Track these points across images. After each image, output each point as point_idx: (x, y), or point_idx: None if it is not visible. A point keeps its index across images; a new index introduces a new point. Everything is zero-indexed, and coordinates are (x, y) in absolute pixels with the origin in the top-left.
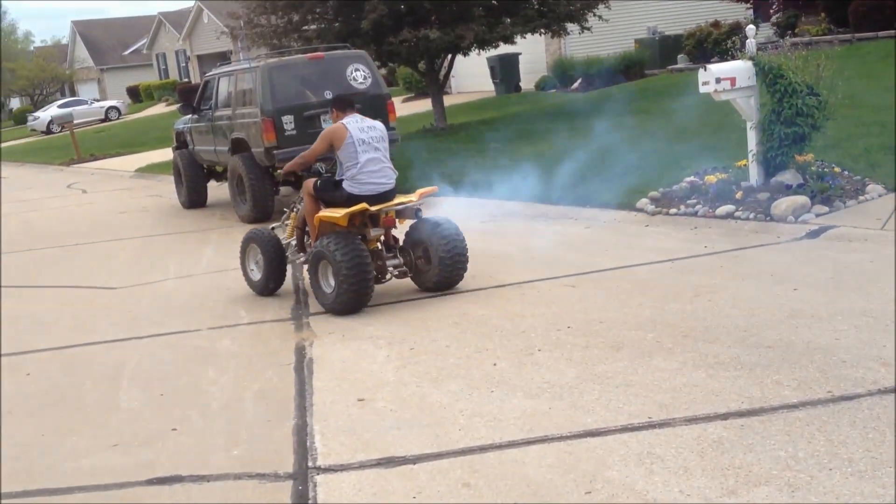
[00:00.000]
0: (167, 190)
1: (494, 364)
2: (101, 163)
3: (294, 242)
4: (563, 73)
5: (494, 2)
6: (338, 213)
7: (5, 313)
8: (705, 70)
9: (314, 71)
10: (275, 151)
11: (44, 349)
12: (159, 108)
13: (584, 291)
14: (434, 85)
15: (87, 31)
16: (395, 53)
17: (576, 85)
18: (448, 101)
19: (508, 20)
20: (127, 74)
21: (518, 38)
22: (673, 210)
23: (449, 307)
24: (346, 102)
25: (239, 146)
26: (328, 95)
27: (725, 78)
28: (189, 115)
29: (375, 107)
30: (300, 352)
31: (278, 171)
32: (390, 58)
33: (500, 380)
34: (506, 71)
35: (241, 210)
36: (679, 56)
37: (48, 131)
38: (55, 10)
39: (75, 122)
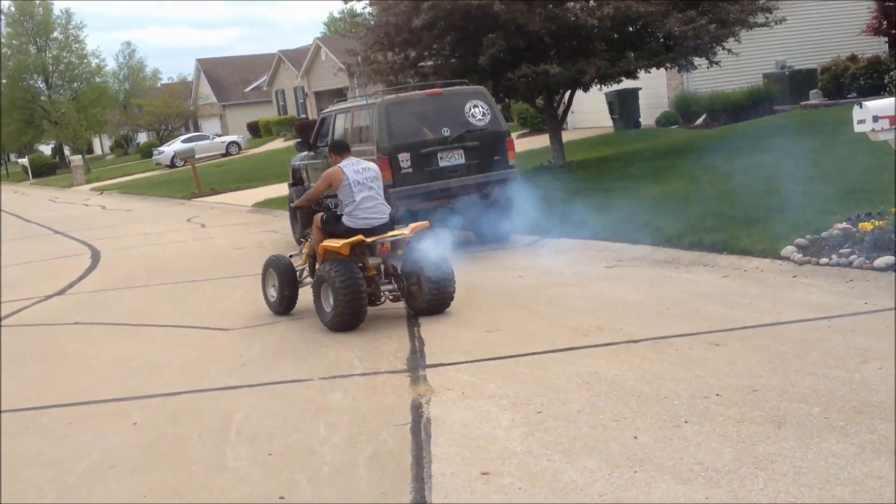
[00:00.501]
0: (283, 226)
1: (635, 437)
2: (220, 197)
3: (307, 269)
4: (685, 108)
5: (617, 35)
6: (338, 244)
7: (121, 353)
8: (860, 107)
9: (432, 107)
10: (391, 190)
11: (152, 395)
12: (277, 144)
13: (731, 351)
14: (552, 121)
15: (210, 68)
16: (512, 89)
17: (700, 121)
18: (564, 136)
19: (632, 54)
20: (247, 110)
21: (640, 73)
22: (824, 260)
23: (577, 364)
24: (342, 147)
25: None
26: (446, 133)
27: (884, 116)
28: (305, 152)
29: (494, 144)
30: (417, 410)
31: (395, 209)
32: (508, 93)
33: (643, 457)
34: (625, 106)
35: (295, 230)
36: (812, 91)
37: (172, 165)
38: (182, 48)
39: (197, 156)
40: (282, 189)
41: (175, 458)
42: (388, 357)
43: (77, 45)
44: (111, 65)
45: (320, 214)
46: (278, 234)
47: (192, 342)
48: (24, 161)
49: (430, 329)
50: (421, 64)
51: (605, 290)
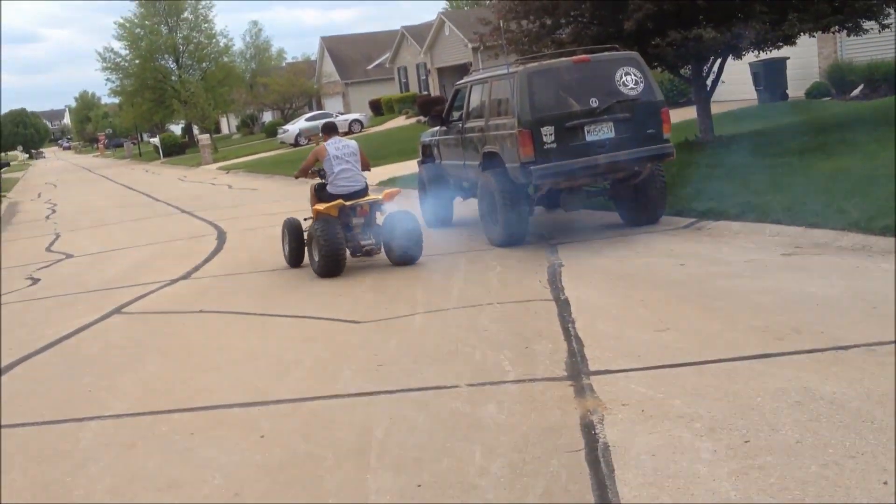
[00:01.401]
0: (410, 205)
1: (884, 482)
2: None
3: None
4: (839, 78)
5: None
6: (325, 206)
7: (247, 348)
8: None
9: (579, 76)
10: (532, 167)
11: (281, 400)
12: (399, 121)
13: None
14: (700, 92)
15: (334, 46)
16: (659, 57)
17: (856, 92)
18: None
19: (795, 16)
20: (369, 88)
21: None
22: None
23: (779, 377)
24: (330, 128)
25: (491, 161)
26: (594, 103)
27: None
28: (437, 127)
29: (648, 115)
30: (589, 432)
31: (536, 188)
32: (653, 62)
33: None
34: (771, 77)
35: (491, 232)
36: None
37: (296, 144)
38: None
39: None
40: (405, 167)
41: (308, 486)
42: (542, 360)
43: (206, 26)
44: (238, 44)
45: (314, 183)
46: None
47: (322, 336)
48: (156, 140)
49: (588, 326)
50: (558, 32)
51: (789, 282)
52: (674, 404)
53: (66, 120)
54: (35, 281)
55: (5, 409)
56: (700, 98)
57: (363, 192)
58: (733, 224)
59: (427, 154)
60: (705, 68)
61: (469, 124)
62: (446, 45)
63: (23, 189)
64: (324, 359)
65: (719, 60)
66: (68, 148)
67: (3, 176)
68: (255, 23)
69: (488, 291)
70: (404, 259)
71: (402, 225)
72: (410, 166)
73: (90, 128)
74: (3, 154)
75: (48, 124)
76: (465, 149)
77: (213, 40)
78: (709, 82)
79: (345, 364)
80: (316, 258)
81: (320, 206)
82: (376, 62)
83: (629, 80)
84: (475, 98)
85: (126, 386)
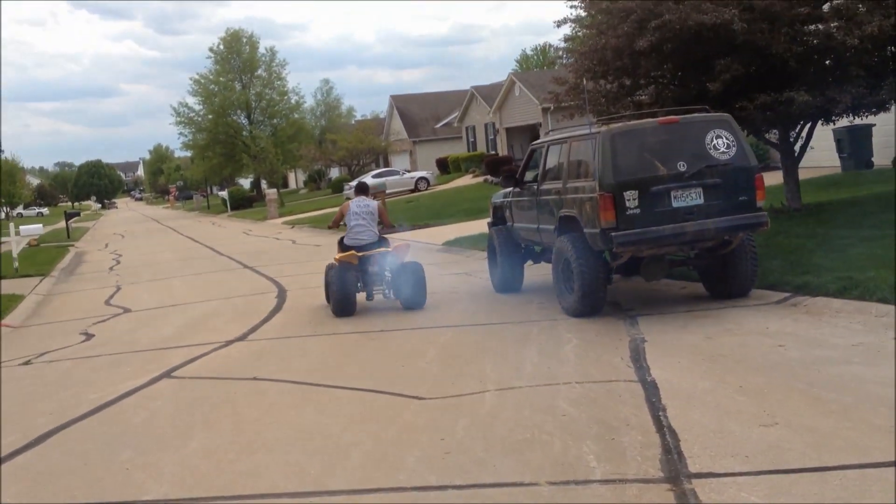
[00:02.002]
0: (476, 268)
1: None
2: (409, 233)
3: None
4: None
5: (877, 58)
6: (341, 255)
7: (301, 425)
8: None
9: (666, 138)
10: (613, 234)
11: (336, 492)
12: (466, 180)
13: None
14: (788, 158)
15: (403, 105)
16: (745, 120)
17: None
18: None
19: (893, 81)
20: (437, 146)
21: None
22: None
23: None
24: (361, 188)
25: (568, 225)
26: (682, 167)
27: None
28: (510, 189)
29: (740, 181)
30: None
31: (616, 256)
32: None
33: None
34: (856, 144)
35: (565, 300)
36: None
37: None
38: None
39: (387, 191)
40: (472, 227)
41: None
42: (633, 455)
43: (279, 83)
44: (309, 101)
45: (340, 238)
46: (471, 276)
47: (383, 413)
48: (224, 194)
49: (681, 416)
50: (637, 93)
51: None
52: None
53: (140, 172)
54: (89, 337)
55: (35, 485)
56: (787, 164)
57: (373, 245)
58: (833, 301)
59: (498, 216)
60: (793, 133)
61: (545, 186)
62: (516, 105)
63: (91, 239)
64: (385, 441)
65: (808, 125)
66: (140, 199)
67: (74, 225)
68: (326, 80)
69: (565, 368)
70: (410, 305)
71: (408, 274)
72: (475, 226)
73: (162, 180)
74: (76, 204)
75: (122, 175)
76: (539, 212)
77: (285, 97)
78: (796, 148)
79: (408, 449)
80: (329, 301)
81: (338, 256)
82: (444, 121)
83: (720, 144)
84: (552, 159)
85: (166, 465)
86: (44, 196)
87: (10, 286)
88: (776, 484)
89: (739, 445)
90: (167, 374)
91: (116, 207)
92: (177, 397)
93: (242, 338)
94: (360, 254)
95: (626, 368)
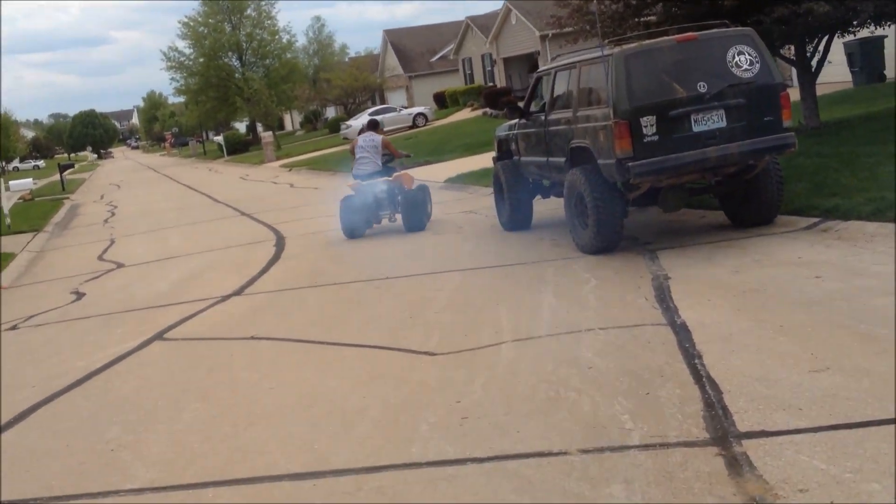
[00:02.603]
0: (481, 205)
1: None
2: (409, 171)
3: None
4: None
5: None
6: (349, 185)
7: (302, 390)
8: None
9: (684, 57)
10: (630, 164)
11: (343, 471)
12: (464, 114)
13: None
14: (805, 74)
15: (397, 39)
16: (761, 35)
17: None
18: (793, 94)
19: None
20: (433, 81)
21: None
22: None
23: None
24: (372, 124)
25: (580, 156)
26: (702, 88)
27: None
28: (516, 120)
29: (765, 101)
30: None
31: (633, 187)
32: None
33: None
34: (867, 57)
35: (580, 237)
36: None
37: None
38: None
39: (385, 128)
40: (473, 162)
41: None
42: (672, 413)
43: (269, 22)
44: (301, 40)
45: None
46: (477, 214)
47: (391, 372)
48: (220, 138)
49: (720, 363)
50: (645, 12)
51: None
52: (872, 490)
53: (135, 120)
54: (79, 296)
55: (8, 474)
56: (804, 80)
57: (377, 174)
58: (868, 225)
59: (503, 150)
60: (810, 48)
61: (553, 116)
62: (513, 34)
63: (87, 190)
64: (394, 406)
65: (825, 38)
66: (136, 147)
67: (69, 177)
68: (317, 18)
69: (586, 313)
70: (410, 228)
71: (408, 200)
72: (477, 161)
73: (157, 127)
74: (72, 155)
75: (117, 124)
76: (548, 143)
77: (276, 37)
78: (813, 63)
79: (421, 415)
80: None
81: (348, 184)
82: (440, 54)
83: (743, 61)
84: (560, 86)
85: (155, 444)
86: (39, 149)
87: (2, 243)
88: (839, 442)
89: (790, 396)
90: (160, 336)
91: (113, 157)
92: (169, 362)
93: (239, 292)
94: (365, 182)
95: (652, 310)
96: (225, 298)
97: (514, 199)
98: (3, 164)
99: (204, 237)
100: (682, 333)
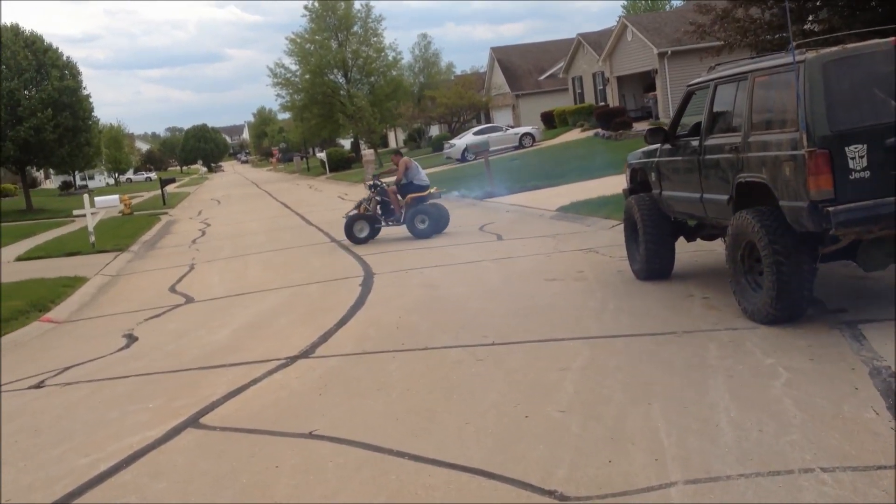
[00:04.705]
0: (603, 241)
1: None
2: (515, 197)
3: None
4: None
5: None
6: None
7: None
8: None
9: None
10: (829, 209)
11: None
12: (573, 134)
13: None
14: None
15: (505, 57)
16: None
17: None
18: None
19: None
20: (541, 100)
21: None
22: None
23: None
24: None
25: (753, 195)
26: None
27: None
28: (656, 146)
29: None
30: None
31: (833, 239)
32: None
33: None
34: None
35: (750, 300)
36: None
37: (463, 159)
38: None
39: (490, 149)
40: (588, 188)
41: None
42: None
43: (375, 40)
44: (407, 58)
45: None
46: (599, 254)
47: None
48: (322, 155)
49: None
50: (810, 18)
51: None
52: None
53: (245, 135)
54: (130, 341)
55: None
56: None
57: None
58: None
59: (638, 181)
60: None
61: (713, 141)
62: (628, 52)
63: (188, 205)
64: None
65: None
66: (246, 162)
67: (176, 190)
68: (424, 35)
69: (789, 433)
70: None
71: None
72: (593, 188)
73: (266, 142)
74: (184, 168)
75: (227, 139)
76: (704, 176)
77: (382, 54)
78: None
79: None
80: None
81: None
82: (548, 72)
83: None
84: (724, 102)
85: None
86: (153, 161)
87: (80, 264)
88: None
89: None
90: (194, 421)
91: (223, 171)
92: (196, 465)
93: (307, 353)
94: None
95: (891, 433)
96: (289, 362)
97: (651, 242)
98: (116, 174)
99: (286, 268)
100: None
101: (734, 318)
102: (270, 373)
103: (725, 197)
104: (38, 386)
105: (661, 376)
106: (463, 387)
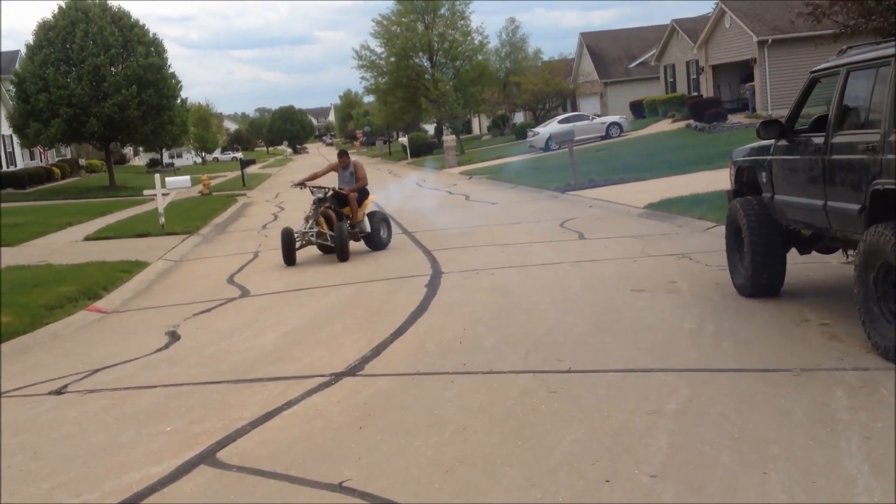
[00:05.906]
0: (697, 246)
1: None
2: (601, 191)
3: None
4: None
5: None
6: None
7: None
8: None
9: None
10: None
11: None
12: (664, 125)
13: None
14: None
15: (594, 43)
16: None
17: None
18: None
19: None
20: (630, 88)
21: None
22: None
23: None
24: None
25: (888, 205)
26: None
27: None
28: (770, 142)
29: None
30: None
31: None
32: None
33: None
34: None
35: (884, 333)
36: None
37: (547, 148)
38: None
39: (575, 138)
40: (681, 184)
41: None
42: None
43: (462, 23)
44: (493, 42)
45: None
46: (693, 261)
47: None
48: (404, 139)
49: None
50: None
51: None
52: None
53: (331, 117)
54: (171, 340)
55: None
56: None
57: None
58: None
59: (745, 182)
60: None
61: (842, 139)
62: (725, 40)
63: (267, 187)
64: None
65: None
66: (331, 144)
67: (259, 171)
68: (511, 19)
69: None
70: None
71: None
72: (685, 183)
73: (351, 125)
74: (270, 149)
75: (314, 121)
76: (829, 180)
77: (469, 38)
78: None
79: None
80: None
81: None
82: (639, 60)
83: None
84: (857, 93)
85: None
86: (240, 141)
87: (147, 246)
88: None
89: None
90: (212, 454)
91: (308, 152)
92: None
93: (355, 370)
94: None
95: None
96: (333, 379)
97: (759, 254)
98: (203, 153)
99: (351, 261)
100: None
101: (862, 354)
102: (310, 393)
103: (856, 206)
104: (59, 392)
105: (778, 431)
106: (529, 429)
